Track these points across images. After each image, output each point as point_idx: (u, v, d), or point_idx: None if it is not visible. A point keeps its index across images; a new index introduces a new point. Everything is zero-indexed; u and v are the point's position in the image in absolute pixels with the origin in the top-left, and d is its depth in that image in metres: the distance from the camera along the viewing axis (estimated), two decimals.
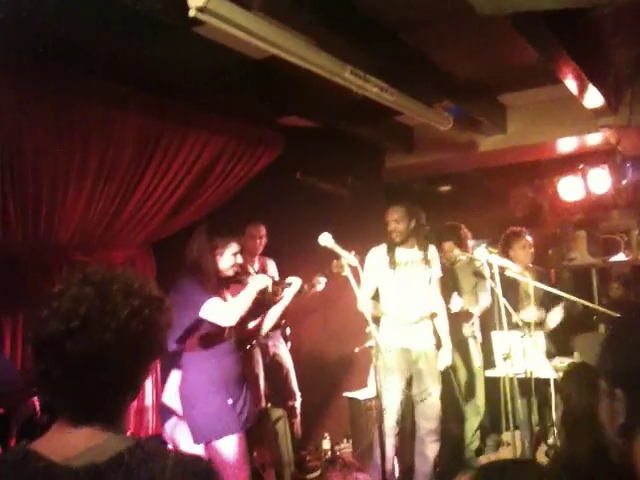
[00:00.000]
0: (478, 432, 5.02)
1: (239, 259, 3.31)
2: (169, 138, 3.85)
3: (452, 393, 4.91)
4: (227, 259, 3.26)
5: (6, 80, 2.96)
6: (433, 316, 4.31)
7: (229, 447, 3.14)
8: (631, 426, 1.01)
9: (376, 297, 4.33)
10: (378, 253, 4.27)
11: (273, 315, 3.82)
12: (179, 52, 3.25)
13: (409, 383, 4.21)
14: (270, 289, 3.44)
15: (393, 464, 4.16)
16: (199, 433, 3.21)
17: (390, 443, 4.05)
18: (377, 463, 4.07)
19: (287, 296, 3.64)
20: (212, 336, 3.23)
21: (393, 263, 4.21)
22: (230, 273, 3.29)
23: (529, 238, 4.97)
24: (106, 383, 1.19)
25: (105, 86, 3.45)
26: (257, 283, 3.29)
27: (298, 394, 4.94)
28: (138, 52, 3.07)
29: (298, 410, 4.93)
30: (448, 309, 4.61)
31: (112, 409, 1.24)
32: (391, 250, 4.25)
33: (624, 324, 1.12)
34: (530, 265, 4.81)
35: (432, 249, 4.41)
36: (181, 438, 3.34)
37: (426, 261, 4.29)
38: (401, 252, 4.25)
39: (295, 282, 3.64)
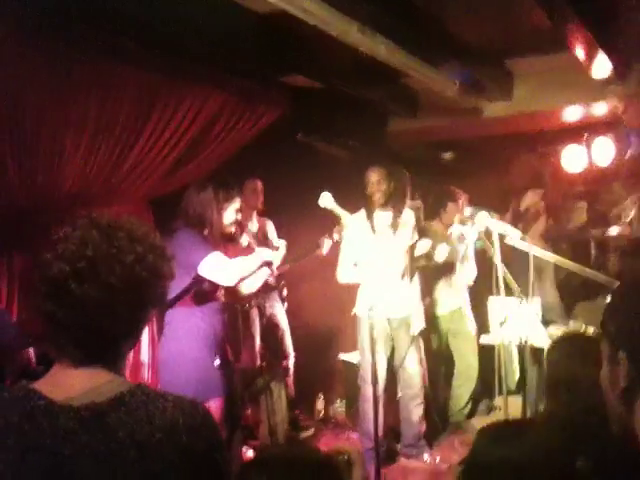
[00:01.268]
0: (472, 397, 5.07)
1: (239, 216, 3.28)
2: (169, 92, 3.78)
3: (443, 357, 4.97)
4: (229, 215, 3.22)
5: (6, 29, 2.89)
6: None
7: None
8: (633, 389, 1.00)
9: None
10: (358, 220, 4.18)
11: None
12: (182, 4, 3.17)
13: (392, 352, 4.23)
14: (274, 268, 3.43)
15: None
16: (180, 392, 3.10)
17: (372, 409, 4.08)
18: (365, 429, 4.12)
19: (275, 259, 3.62)
20: (206, 293, 3.19)
21: (373, 229, 4.14)
22: (230, 230, 3.26)
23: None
24: (109, 326, 1.21)
25: (106, 38, 3.37)
26: (265, 256, 3.27)
27: (292, 354, 4.98)
28: (139, 4, 3.01)
29: (291, 370, 4.97)
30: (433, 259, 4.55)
31: (113, 353, 1.25)
32: (370, 215, 4.16)
33: (628, 287, 1.11)
34: None
35: (408, 213, 4.32)
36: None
37: (401, 225, 4.22)
38: (378, 216, 4.18)
39: (282, 246, 3.62)
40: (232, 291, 3.39)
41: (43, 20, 3.01)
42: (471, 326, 4.99)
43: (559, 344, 2.20)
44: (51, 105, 3.31)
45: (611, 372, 1.04)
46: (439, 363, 4.99)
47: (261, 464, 1.41)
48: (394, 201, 4.19)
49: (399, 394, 4.42)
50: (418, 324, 4.30)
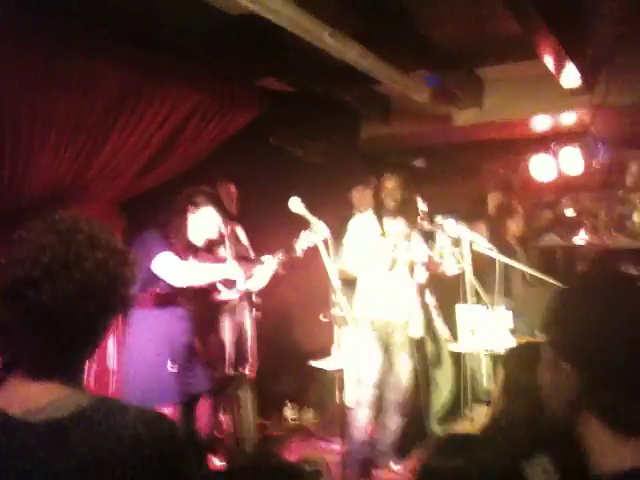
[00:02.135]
0: (446, 405, 5.06)
1: (213, 234, 3.23)
2: (141, 91, 3.71)
3: (421, 365, 4.96)
4: (203, 229, 3.17)
5: None
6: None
7: None
8: (580, 405, 0.96)
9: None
10: (366, 220, 4.16)
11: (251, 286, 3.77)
12: (157, 3, 3.12)
13: (385, 355, 4.21)
14: (237, 285, 3.40)
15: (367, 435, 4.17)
16: (131, 396, 2.95)
17: (365, 414, 4.05)
18: (354, 437, 4.07)
19: (262, 275, 3.57)
20: (165, 296, 3.13)
21: (382, 233, 4.12)
22: (199, 244, 3.21)
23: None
24: (68, 336, 1.14)
25: (74, 34, 3.29)
26: (229, 272, 3.24)
27: (250, 362, 4.88)
28: (115, 1, 2.96)
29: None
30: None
31: (72, 364, 1.19)
32: (380, 218, 4.14)
33: (575, 295, 1.06)
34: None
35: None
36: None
37: (412, 235, 4.21)
38: (388, 222, 4.16)
39: (268, 262, 3.57)
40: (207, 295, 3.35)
41: (10, 14, 2.93)
42: (442, 331, 4.99)
43: (512, 353, 2.20)
44: (18, 102, 3.21)
45: (555, 380, 1.00)
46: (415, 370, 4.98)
47: (229, 475, 1.38)
48: (406, 210, 4.16)
49: (385, 399, 4.37)
50: (416, 330, 4.28)
